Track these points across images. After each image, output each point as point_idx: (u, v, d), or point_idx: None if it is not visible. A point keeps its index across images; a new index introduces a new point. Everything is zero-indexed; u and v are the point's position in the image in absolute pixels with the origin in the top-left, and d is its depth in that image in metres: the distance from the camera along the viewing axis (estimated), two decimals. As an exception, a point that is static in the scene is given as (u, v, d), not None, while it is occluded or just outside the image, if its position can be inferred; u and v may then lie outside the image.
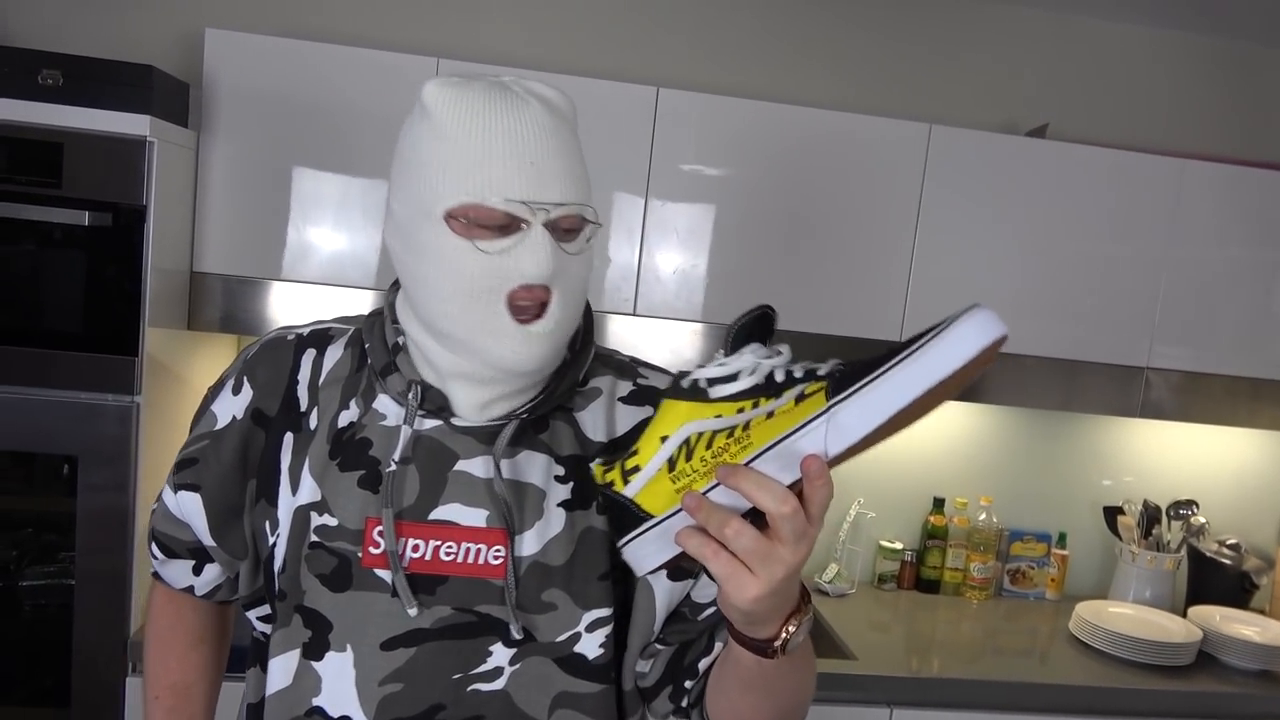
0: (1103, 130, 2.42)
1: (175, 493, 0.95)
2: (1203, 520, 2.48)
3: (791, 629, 0.73)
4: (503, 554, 0.84)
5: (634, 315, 2.02)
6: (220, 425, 0.93)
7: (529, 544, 0.86)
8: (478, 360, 0.84)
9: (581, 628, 0.86)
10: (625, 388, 0.94)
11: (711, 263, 2.03)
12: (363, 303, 1.93)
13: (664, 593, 0.89)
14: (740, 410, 0.68)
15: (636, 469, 0.71)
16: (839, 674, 1.95)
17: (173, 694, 1.03)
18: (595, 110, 1.94)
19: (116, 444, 1.69)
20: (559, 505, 0.87)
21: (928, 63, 2.38)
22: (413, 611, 0.83)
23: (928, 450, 2.52)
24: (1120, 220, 2.14)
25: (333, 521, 0.86)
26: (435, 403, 0.87)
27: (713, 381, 0.70)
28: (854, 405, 0.65)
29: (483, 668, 0.84)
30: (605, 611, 0.87)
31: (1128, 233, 2.14)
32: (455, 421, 0.87)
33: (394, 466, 0.85)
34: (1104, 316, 2.16)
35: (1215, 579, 2.45)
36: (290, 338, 0.95)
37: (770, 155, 2.02)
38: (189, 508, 0.95)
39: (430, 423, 0.87)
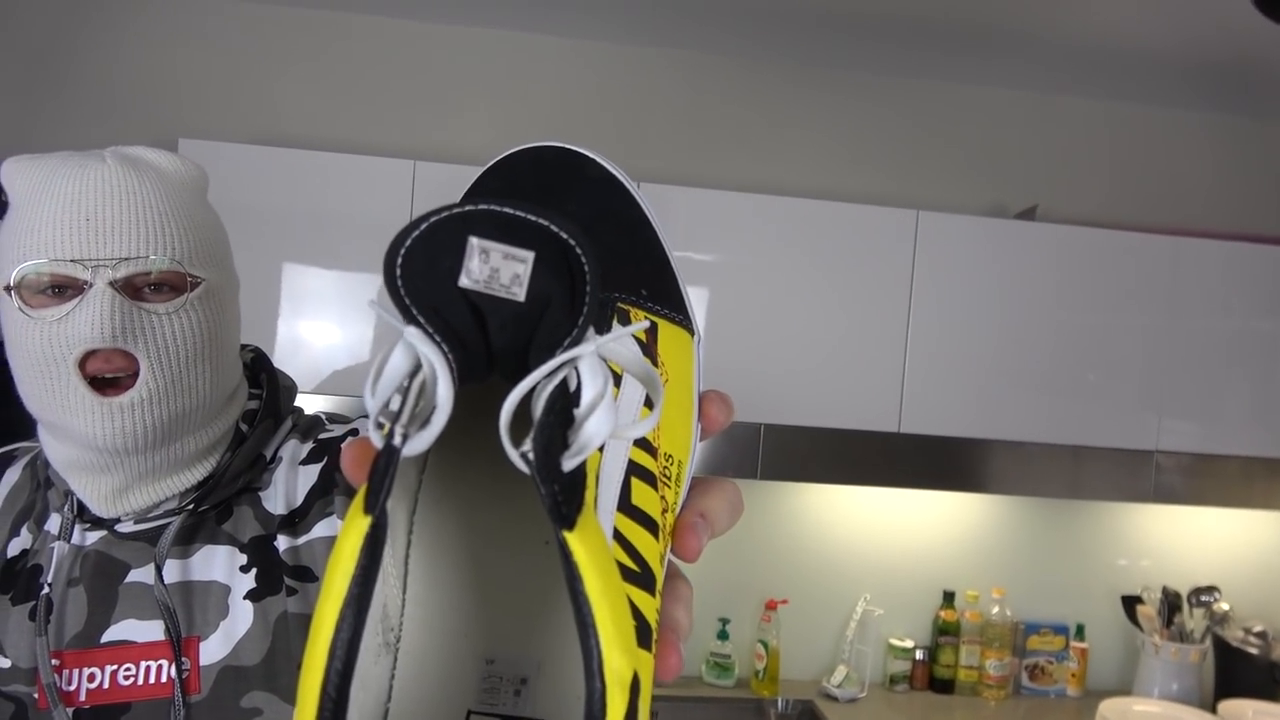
0: (1092, 209, 2.40)
1: None
2: (1226, 607, 2.37)
3: None
4: (189, 666, 0.75)
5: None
6: None
7: (215, 648, 0.76)
8: (73, 443, 0.75)
9: None
10: (305, 449, 0.85)
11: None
12: (338, 404, 1.87)
13: None
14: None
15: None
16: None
17: None
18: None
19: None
20: (244, 598, 0.77)
21: (914, 147, 2.37)
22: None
23: (935, 542, 2.43)
24: (1116, 300, 2.09)
25: (5, 663, 0.76)
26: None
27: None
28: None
29: None
30: None
31: (1124, 312, 2.10)
32: (121, 528, 0.78)
33: (46, 590, 0.76)
34: (1106, 397, 2.09)
35: (1243, 669, 2.33)
36: None
37: (759, 244, 1.98)
38: None
39: (94, 535, 0.78)
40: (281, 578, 0.78)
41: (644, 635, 0.35)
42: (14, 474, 0.84)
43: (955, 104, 2.39)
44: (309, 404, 1.86)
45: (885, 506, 2.40)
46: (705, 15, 2.08)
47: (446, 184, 1.88)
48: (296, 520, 0.80)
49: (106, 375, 0.72)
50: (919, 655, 2.38)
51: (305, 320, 1.88)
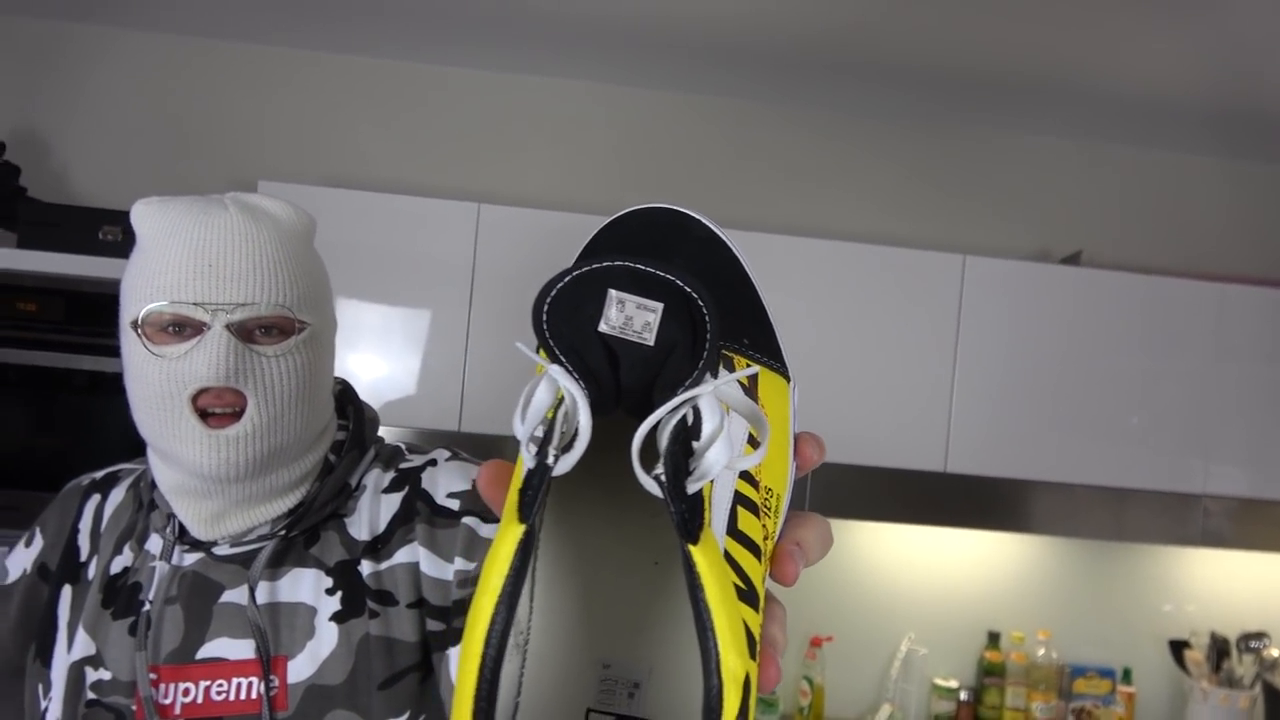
0: (1136, 254, 2.43)
1: None
2: (1276, 654, 2.34)
3: None
4: (276, 684, 0.79)
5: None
6: (9, 580, 0.90)
7: (303, 667, 0.80)
8: (181, 470, 0.80)
9: None
10: (388, 478, 0.89)
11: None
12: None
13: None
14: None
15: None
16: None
17: None
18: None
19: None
20: (330, 619, 0.82)
21: (960, 193, 2.43)
22: None
23: (980, 583, 2.44)
24: (1160, 344, 2.11)
25: (106, 675, 0.81)
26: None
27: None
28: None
29: None
30: (406, 703, 0.82)
31: (1169, 357, 2.12)
32: (217, 551, 0.83)
33: (148, 607, 0.81)
34: (1152, 440, 2.11)
35: (1296, 718, 2.30)
36: (82, 484, 0.93)
37: (808, 287, 2.04)
38: None
39: (192, 557, 0.83)
40: (365, 601, 0.82)
41: (750, 646, 0.39)
42: (119, 494, 0.90)
43: (1000, 150, 2.44)
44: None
45: (931, 546, 2.42)
46: (753, 65, 2.16)
47: (508, 225, 1.96)
48: (379, 546, 0.85)
49: (215, 410, 0.78)
50: (964, 696, 2.38)
51: (359, 353, 1.96)
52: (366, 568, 0.83)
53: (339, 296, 1.93)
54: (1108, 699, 2.40)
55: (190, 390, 0.77)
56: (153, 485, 0.85)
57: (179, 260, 0.77)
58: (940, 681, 2.38)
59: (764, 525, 0.46)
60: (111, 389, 1.69)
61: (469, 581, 0.82)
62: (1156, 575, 2.48)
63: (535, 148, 2.33)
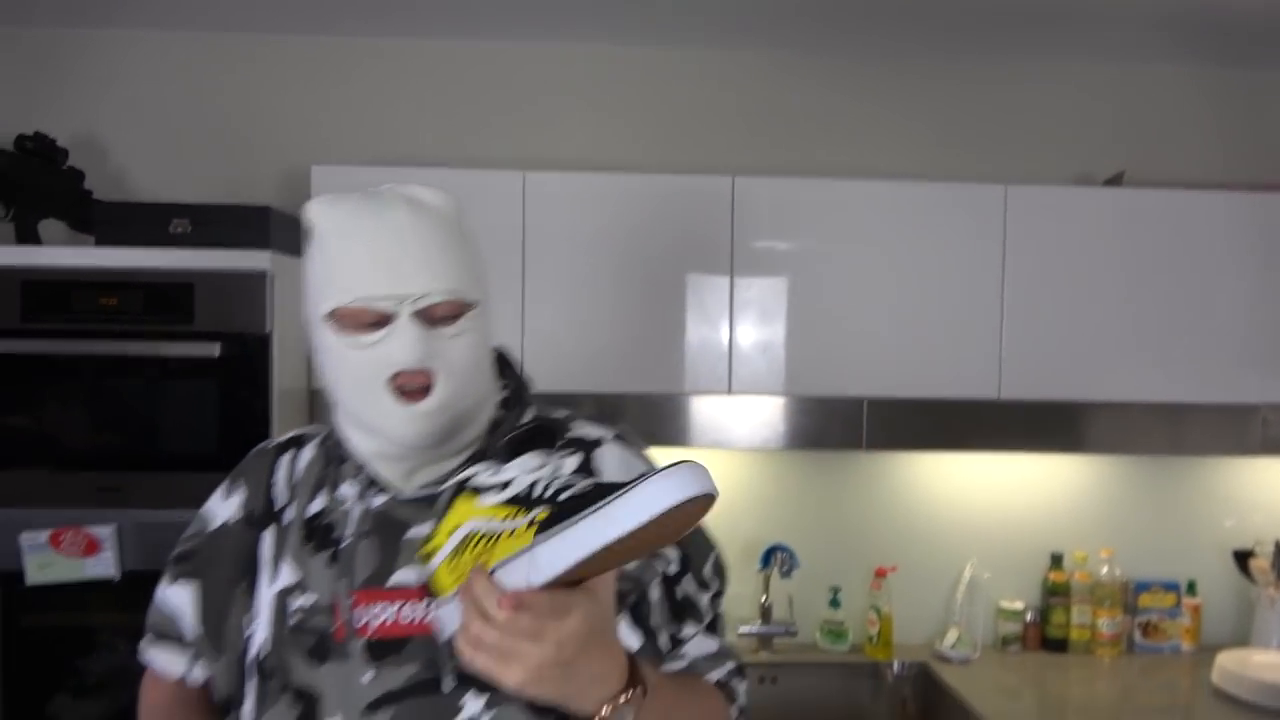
0: (1179, 171, 2.40)
1: (172, 584, 1.02)
2: (1343, 557, 2.36)
3: (605, 711, 0.75)
4: None
5: (729, 394, 2.06)
6: (213, 527, 1.01)
7: None
8: (381, 439, 0.92)
9: None
10: (560, 437, 0.98)
11: (798, 336, 2.07)
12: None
13: None
14: (506, 517, 0.77)
15: (433, 552, 0.80)
16: (973, 744, 1.90)
17: None
18: (676, 203, 2.03)
19: (253, 558, 1.78)
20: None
21: (997, 123, 2.42)
22: (366, 677, 0.88)
23: (1038, 505, 2.47)
24: (1209, 259, 2.11)
25: (309, 601, 0.92)
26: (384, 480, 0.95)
27: (483, 489, 0.80)
28: (550, 546, 0.70)
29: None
30: None
31: (1218, 270, 2.11)
32: (401, 495, 0.95)
33: (347, 541, 0.93)
34: (1207, 355, 2.11)
35: (1365, 619, 2.32)
36: (270, 446, 1.05)
37: (855, 228, 2.07)
38: (181, 599, 1.01)
39: (380, 499, 0.94)
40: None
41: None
42: (309, 452, 1.02)
43: (1035, 79, 2.43)
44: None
45: (989, 472, 2.45)
46: (786, 18, 2.17)
47: (554, 190, 2.01)
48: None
49: (408, 387, 0.89)
50: (1029, 616, 2.43)
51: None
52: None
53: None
54: (1173, 611, 2.43)
55: (388, 373, 0.88)
56: (339, 444, 0.98)
57: (362, 259, 0.88)
58: (1005, 604, 2.43)
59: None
60: (192, 373, 1.78)
61: (622, 576, 0.87)
62: (1217, 487, 2.49)
63: (575, 113, 2.36)
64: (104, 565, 1.76)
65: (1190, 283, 2.11)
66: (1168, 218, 2.10)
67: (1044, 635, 2.43)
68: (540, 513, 0.74)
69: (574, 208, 2.01)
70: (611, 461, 0.95)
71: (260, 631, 0.94)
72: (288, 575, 0.94)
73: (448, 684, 0.87)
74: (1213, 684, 2.16)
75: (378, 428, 0.91)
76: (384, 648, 0.89)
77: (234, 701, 0.97)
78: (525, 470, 0.81)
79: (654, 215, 2.01)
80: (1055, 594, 2.42)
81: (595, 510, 0.68)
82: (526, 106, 2.35)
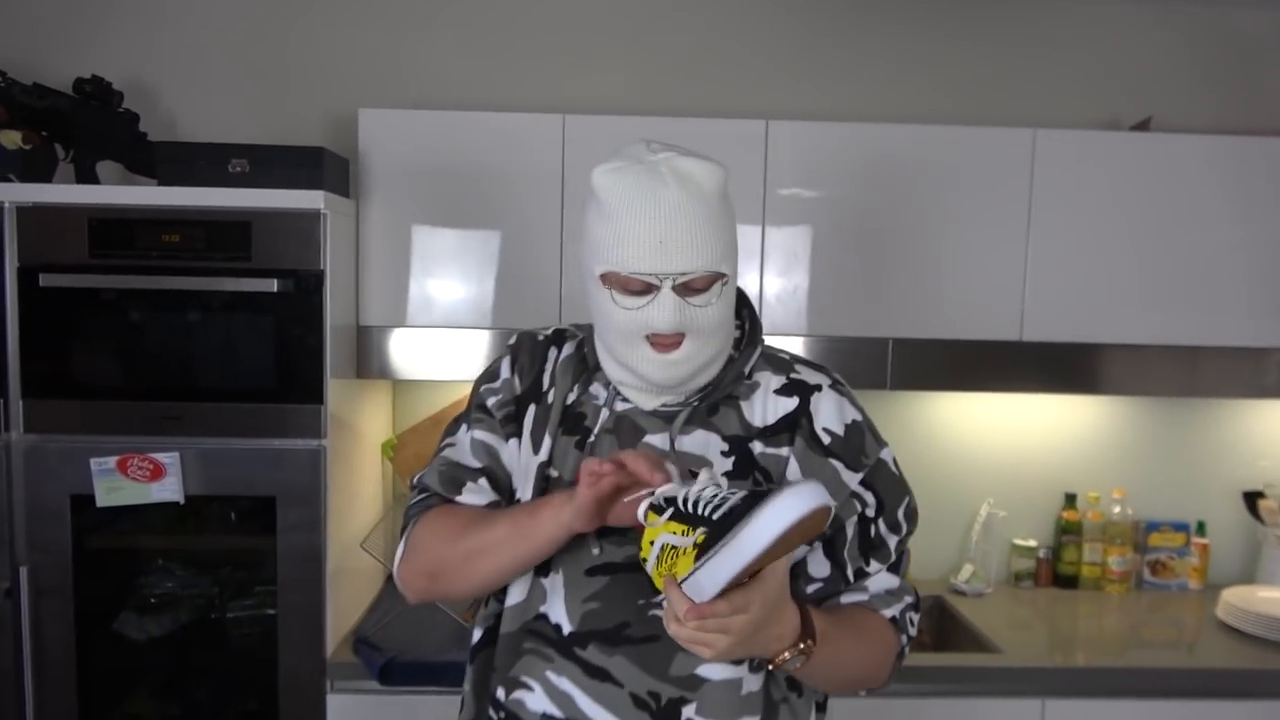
0: (1206, 117, 2.44)
1: (507, 440, 1.19)
2: (1349, 499, 2.44)
3: (787, 656, 0.97)
4: None
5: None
6: (512, 393, 1.19)
7: None
8: (633, 375, 1.10)
9: None
10: (779, 381, 1.15)
11: (828, 279, 2.13)
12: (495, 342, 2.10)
13: (800, 551, 1.10)
14: (683, 533, 0.90)
15: (645, 560, 0.95)
16: (987, 667, 2.00)
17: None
18: (709, 147, 2.08)
19: (309, 484, 1.89)
20: (722, 475, 1.07)
21: (1024, 67, 2.46)
22: (595, 551, 1.08)
23: (1054, 445, 2.55)
24: (1232, 204, 2.16)
25: (556, 473, 1.12)
26: None
27: (663, 506, 0.92)
28: (706, 571, 0.87)
29: (660, 597, 0.95)
30: None
31: (1241, 217, 2.16)
32: (644, 407, 1.13)
33: (593, 436, 1.12)
34: (1225, 300, 2.17)
35: (1368, 559, 2.40)
36: (540, 337, 1.23)
37: (879, 173, 2.12)
38: (515, 454, 1.18)
39: (625, 406, 1.14)
40: (753, 470, 1.10)
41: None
42: (569, 349, 1.20)
43: (1063, 22, 2.45)
44: (468, 338, 2.11)
45: (1007, 413, 2.53)
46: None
47: (592, 133, 2.07)
48: (768, 434, 1.11)
49: (659, 342, 1.05)
50: (1042, 554, 2.53)
51: (460, 273, 2.10)
52: (757, 446, 1.11)
53: (439, 224, 2.08)
54: (1182, 551, 2.52)
55: (646, 331, 1.05)
56: (594, 352, 1.17)
57: (637, 236, 1.03)
58: (1020, 541, 2.53)
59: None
60: (250, 308, 1.86)
61: (839, 504, 1.08)
62: (1230, 431, 2.56)
63: (613, 55, 2.40)
64: (169, 490, 1.87)
65: (1213, 228, 2.16)
66: (1192, 163, 2.14)
67: (1055, 572, 2.53)
68: (700, 535, 0.88)
69: (611, 150, 2.07)
70: (827, 408, 1.12)
71: (521, 490, 1.14)
72: (546, 449, 1.13)
73: None
74: (1218, 618, 2.26)
75: (632, 367, 1.09)
76: (611, 530, 1.06)
77: None
78: (697, 487, 0.93)
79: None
80: (1068, 532, 2.51)
81: (732, 537, 0.85)
82: (566, 50, 2.40)
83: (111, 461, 1.86)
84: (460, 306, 2.11)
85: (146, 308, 1.86)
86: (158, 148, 1.93)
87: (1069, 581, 2.51)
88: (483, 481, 1.18)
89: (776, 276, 2.14)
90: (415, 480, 1.24)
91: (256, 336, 1.88)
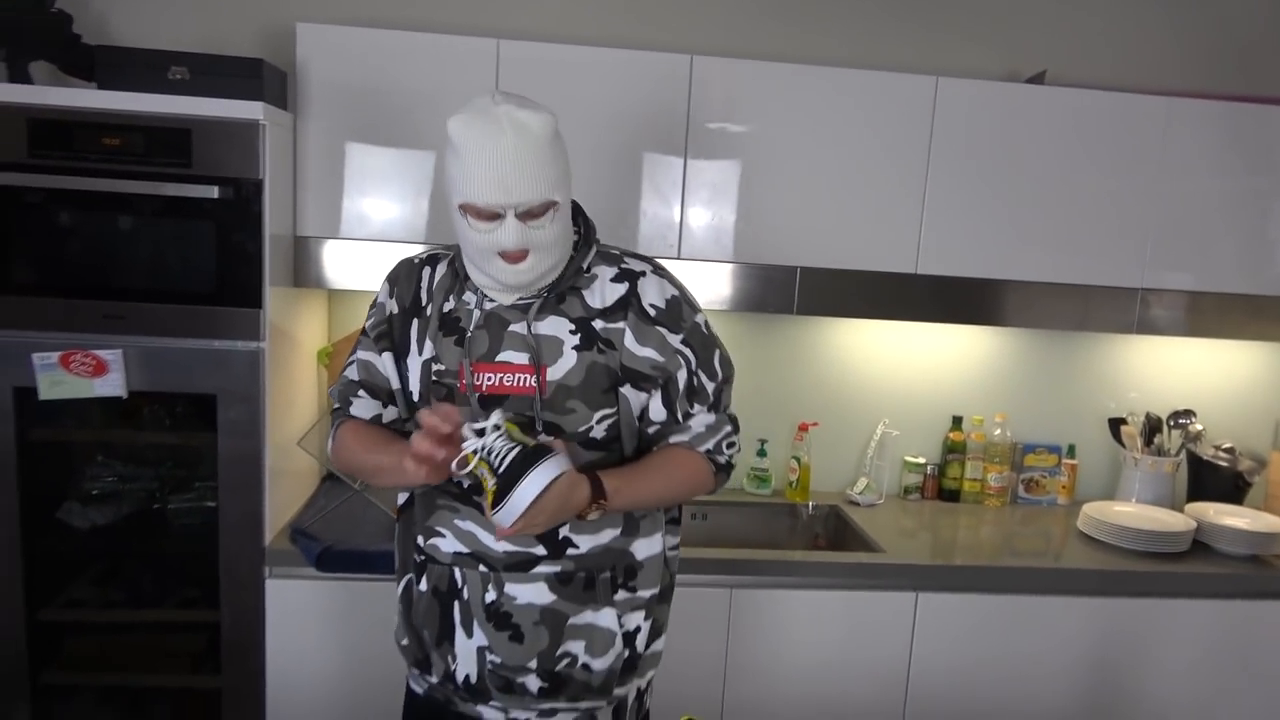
0: (1098, 73, 2.63)
1: (380, 354, 1.47)
2: (1200, 427, 2.72)
3: (590, 516, 1.32)
4: (539, 380, 1.35)
5: (678, 259, 2.29)
6: (386, 314, 1.46)
7: (555, 373, 1.36)
8: (490, 280, 1.36)
9: (593, 422, 1.38)
10: (612, 272, 1.41)
11: (743, 210, 2.29)
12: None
13: (636, 401, 1.40)
14: (490, 476, 1.25)
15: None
16: (869, 564, 2.23)
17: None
18: (638, 79, 2.20)
19: (248, 385, 1.99)
20: (571, 349, 1.36)
21: (930, 18, 2.60)
22: (479, 423, 1.29)
23: (945, 372, 2.78)
24: (1114, 157, 2.36)
25: (442, 367, 1.39)
26: None
27: (474, 454, 1.26)
28: (500, 515, 1.24)
29: None
30: (608, 410, 1.38)
31: (1122, 168, 2.37)
32: (505, 302, 1.39)
33: (470, 333, 1.38)
34: (1104, 245, 2.39)
35: (1212, 479, 2.70)
36: (415, 261, 1.49)
37: (790, 109, 2.26)
38: (387, 363, 1.46)
39: (490, 304, 1.39)
40: (596, 342, 1.36)
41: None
42: (443, 267, 1.46)
43: (977, -24, 2.60)
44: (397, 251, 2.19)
45: (903, 341, 2.75)
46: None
47: (526, 60, 2.16)
48: (607, 314, 1.38)
49: (509, 257, 1.31)
50: (929, 470, 2.77)
51: (388, 194, 2.20)
52: (598, 324, 1.37)
53: (375, 142, 2.16)
54: (1053, 470, 2.79)
55: (497, 249, 1.30)
56: (463, 266, 1.41)
57: (483, 175, 1.26)
58: (910, 458, 2.76)
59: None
60: (191, 214, 1.93)
61: (655, 367, 1.38)
62: (1103, 364, 2.83)
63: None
64: (112, 384, 1.95)
65: (1097, 179, 2.36)
66: (1084, 117, 2.33)
67: (940, 487, 2.78)
68: (493, 486, 1.23)
69: (544, 76, 2.17)
70: (651, 288, 1.39)
71: (413, 386, 1.42)
72: (429, 350, 1.40)
73: (535, 426, 1.35)
74: (1078, 529, 2.53)
75: (490, 273, 1.34)
76: (490, 400, 1.36)
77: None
78: (490, 438, 1.25)
79: (616, 90, 2.19)
80: (953, 451, 2.76)
81: (510, 494, 1.22)
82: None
83: (54, 356, 1.93)
84: (394, 223, 2.21)
85: (86, 209, 1.91)
86: (97, 51, 1.96)
87: (952, 495, 2.76)
88: (362, 393, 1.48)
89: (700, 207, 2.28)
90: (330, 391, 1.55)
91: (197, 241, 1.95)
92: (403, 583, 1.50)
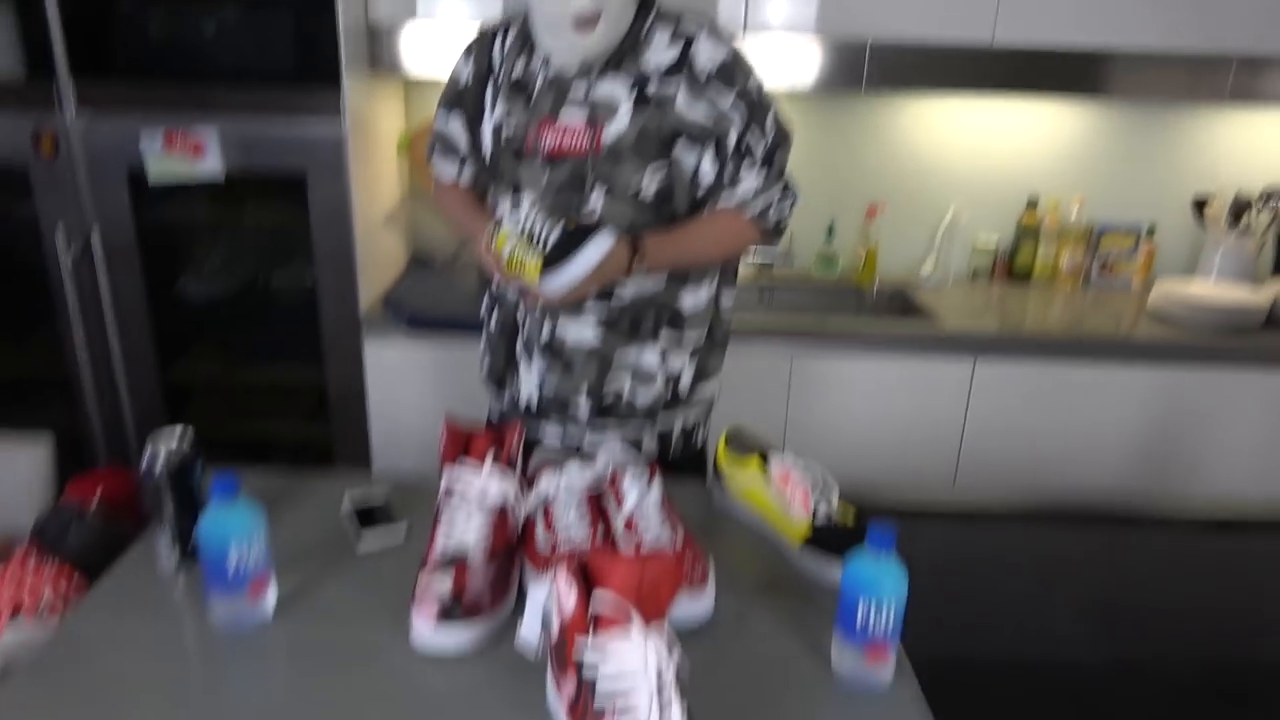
0: None
1: (450, 118, 1.58)
2: (1291, 207, 2.62)
3: (631, 272, 1.40)
4: (597, 138, 1.42)
5: (744, 30, 2.27)
6: (462, 82, 1.55)
7: (611, 133, 1.41)
8: (563, 48, 1.40)
9: (644, 180, 1.43)
10: (668, 34, 1.43)
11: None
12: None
13: (688, 161, 1.45)
14: (528, 250, 1.34)
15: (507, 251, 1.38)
16: (926, 334, 2.30)
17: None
18: None
19: (334, 162, 2.13)
20: (626, 109, 1.41)
21: None
22: (544, 174, 1.44)
23: (1022, 152, 2.72)
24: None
25: (511, 127, 1.48)
26: None
27: (499, 225, 1.38)
28: (546, 284, 1.32)
29: (588, 207, 1.44)
30: (659, 169, 1.43)
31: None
32: (570, 67, 1.43)
33: (536, 94, 1.45)
34: (1190, 7, 2.25)
35: (1298, 259, 2.63)
36: (488, 30, 1.54)
37: None
38: (456, 127, 1.57)
39: (553, 70, 1.44)
40: (650, 103, 1.41)
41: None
42: (513, 32, 1.50)
43: None
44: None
45: (977, 120, 2.68)
46: None
47: None
48: (663, 76, 1.41)
49: (582, 21, 1.35)
50: (1000, 252, 2.77)
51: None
52: (653, 85, 1.41)
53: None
54: (1130, 252, 2.75)
55: (572, 13, 1.34)
56: (531, 33, 1.44)
57: None
58: (980, 242, 2.76)
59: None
60: (269, 4, 2.02)
61: (706, 126, 1.42)
62: (1189, 139, 2.71)
63: None
64: (210, 165, 2.11)
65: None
66: None
67: (1011, 269, 2.78)
68: (538, 258, 1.31)
69: None
70: (706, 48, 1.41)
71: (488, 145, 1.53)
72: (500, 112, 1.49)
73: (589, 184, 1.43)
74: (1149, 308, 2.52)
75: (562, 44, 1.39)
76: (553, 162, 1.44)
77: (485, 193, 1.59)
78: (525, 213, 1.37)
79: None
80: (1027, 234, 2.74)
81: (567, 262, 1.30)
82: None
83: (158, 139, 2.09)
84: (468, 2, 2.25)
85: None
86: None
87: (1022, 278, 2.77)
88: (439, 147, 1.61)
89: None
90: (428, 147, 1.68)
91: (278, 28, 2.05)
92: (485, 321, 1.70)
